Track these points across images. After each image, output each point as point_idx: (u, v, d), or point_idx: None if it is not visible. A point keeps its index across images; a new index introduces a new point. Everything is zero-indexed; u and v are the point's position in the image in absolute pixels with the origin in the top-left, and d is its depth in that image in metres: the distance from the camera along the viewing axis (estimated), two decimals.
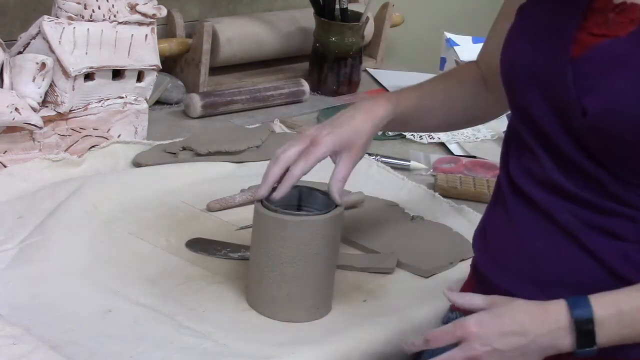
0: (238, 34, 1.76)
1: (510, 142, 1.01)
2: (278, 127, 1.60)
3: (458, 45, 1.84)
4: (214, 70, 1.75)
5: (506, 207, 0.98)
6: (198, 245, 1.17)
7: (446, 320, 1.08)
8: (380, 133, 1.61)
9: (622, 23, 0.89)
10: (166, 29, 1.73)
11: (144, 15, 1.37)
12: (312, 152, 1.01)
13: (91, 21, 1.33)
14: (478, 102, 1.16)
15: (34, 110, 1.29)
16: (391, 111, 1.06)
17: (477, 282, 1.05)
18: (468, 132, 1.67)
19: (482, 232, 1.04)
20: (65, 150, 1.35)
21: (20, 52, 1.32)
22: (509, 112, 1.04)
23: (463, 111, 1.16)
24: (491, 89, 1.14)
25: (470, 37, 1.85)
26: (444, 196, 1.40)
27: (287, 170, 1.02)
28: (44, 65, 1.28)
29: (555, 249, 0.93)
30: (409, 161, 1.51)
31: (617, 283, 0.91)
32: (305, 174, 1.01)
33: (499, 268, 0.98)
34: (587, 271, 0.92)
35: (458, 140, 1.64)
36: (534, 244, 0.95)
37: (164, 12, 1.39)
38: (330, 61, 1.81)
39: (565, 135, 0.91)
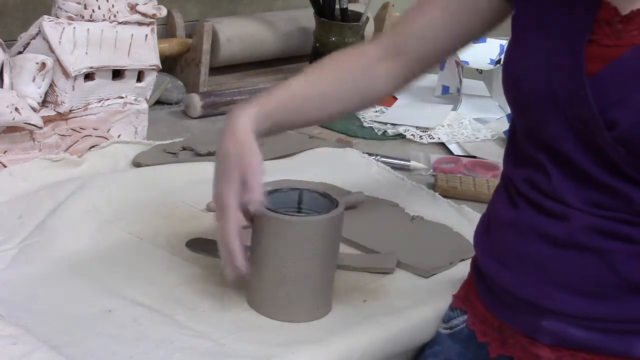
0: (238, 34, 1.76)
1: (514, 154, 0.99)
2: None
3: None
4: (214, 70, 1.75)
5: (514, 208, 0.97)
6: (198, 245, 1.17)
7: (447, 319, 1.08)
8: (380, 133, 1.63)
9: (631, 32, 0.87)
10: (166, 29, 1.74)
11: (144, 15, 1.37)
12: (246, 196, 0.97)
13: (91, 21, 1.33)
14: (370, 81, 1.08)
15: (34, 110, 1.29)
16: (253, 120, 1.00)
17: (478, 280, 1.05)
18: (468, 132, 1.67)
19: (485, 229, 1.03)
20: (65, 150, 1.35)
21: (20, 52, 1.32)
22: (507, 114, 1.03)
23: (354, 95, 1.08)
24: (387, 68, 1.07)
25: None
26: (444, 196, 1.40)
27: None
28: (44, 65, 1.28)
29: (564, 257, 0.92)
30: (409, 161, 1.51)
31: (627, 289, 0.91)
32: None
33: (502, 267, 0.98)
34: (595, 276, 0.91)
35: (458, 140, 1.64)
36: (541, 250, 0.94)
37: (164, 12, 1.39)
38: None
39: (585, 152, 0.89)
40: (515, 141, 0.99)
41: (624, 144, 0.86)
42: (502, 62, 0.98)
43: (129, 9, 1.36)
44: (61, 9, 1.31)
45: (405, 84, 1.11)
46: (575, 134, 0.90)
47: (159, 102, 1.64)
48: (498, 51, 1.81)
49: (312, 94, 1.06)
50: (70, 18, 1.31)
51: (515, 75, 0.95)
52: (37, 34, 1.30)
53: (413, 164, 1.51)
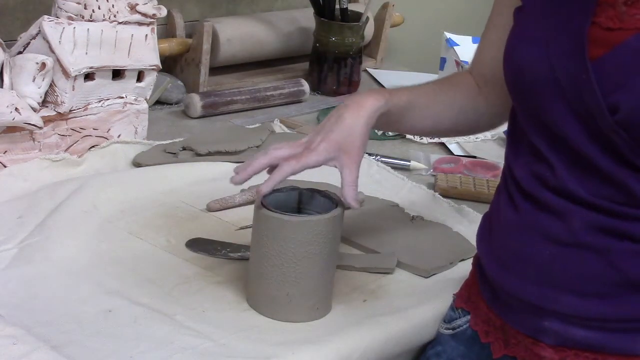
0: (238, 34, 1.76)
1: (515, 147, 0.99)
2: (278, 127, 1.60)
3: (458, 45, 1.84)
4: (214, 70, 1.75)
5: (515, 208, 0.97)
6: (198, 245, 1.17)
7: (449, 319, 1.08)
8: (380, 133, 1.63)
9: (635, 15, 0.86)
10: (166, 29, 1.74)
11: (144, 15, 1.37)
12: (304, 156, 0.99)
13: (91, 21, 1.33)
14: (473, 108, 1.12)
15: (34, 110, 1.29)
16: (383, 104, 1.03)
17: (481, 281, 1.04)
18: None
19: (486, 231, 1.03)
20: (65, 150, 1.35)
21: (20, 52, 1.32)
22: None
23: (458, 115, 1.12)
24: (485, 98, 1.11)
25: (470, 37, 1.85)
26: (444, 196, 1.40)
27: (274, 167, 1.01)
28: (44, 65, 1.28)
29: (565, 256, 0.92)
30: (409, 161, 1.51)
31: (629, 287, 0.90)
32: (293, 174, 1.00)
33: (504, 269, 0.98)
34: (597, 276, 0.91)
35: (458, 140, 1.64)
36: (543, 251, 0.93)
37: (164, 12, 1.39)
38: (330, 61, 1.81)
39: (588, 138, 0.89)
40: (516, 134, 0.99)
41: (626, 129, 0.86)
42: (504, 51, 0.97)
43: (129, 9, 1.36)
44: (61, 9, 1.31)
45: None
46: (577, 119, 0.89)
47: (159, 102, 1.64)
48: None
49: (426, 105, 1.09)
50: (70, 18, 1.31)
51: (517, 61, 0.94)
52: (37, 34, 1.30)
53: (413, 164, 1.51)
